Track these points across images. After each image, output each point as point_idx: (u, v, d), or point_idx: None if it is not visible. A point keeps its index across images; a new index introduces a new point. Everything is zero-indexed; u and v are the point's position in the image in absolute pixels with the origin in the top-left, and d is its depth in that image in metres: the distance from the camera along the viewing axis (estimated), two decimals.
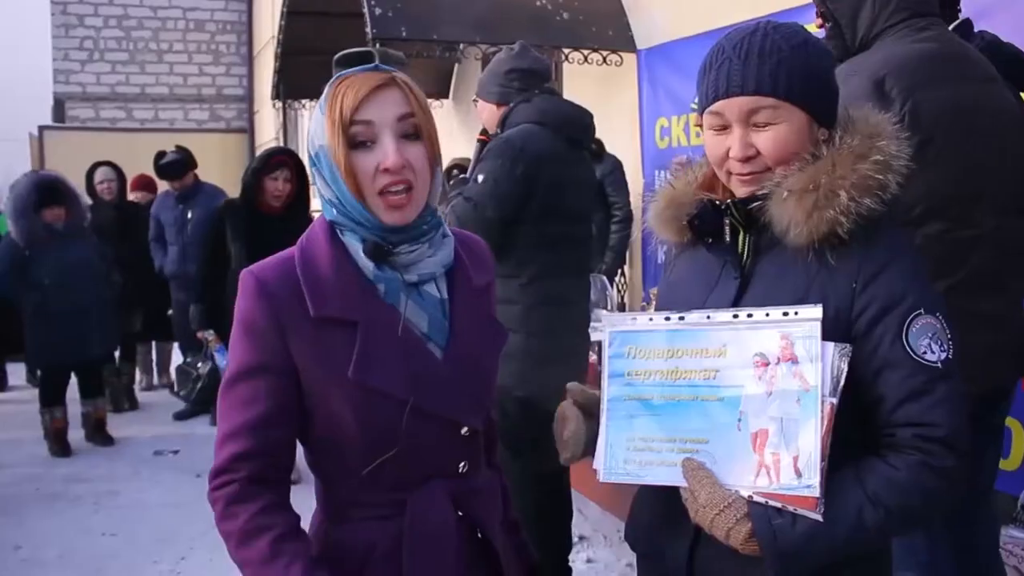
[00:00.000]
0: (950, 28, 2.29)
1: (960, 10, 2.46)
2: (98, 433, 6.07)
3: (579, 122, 3.06)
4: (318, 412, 1.37)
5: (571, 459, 1.44)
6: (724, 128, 1.39)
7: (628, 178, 5.94)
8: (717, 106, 1.38)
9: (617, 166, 5.90)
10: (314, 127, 1.38)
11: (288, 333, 1.33)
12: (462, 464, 1.44)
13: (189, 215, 6.47)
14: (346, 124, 1.33)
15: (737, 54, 1.35)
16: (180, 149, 6.70)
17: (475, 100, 3.18)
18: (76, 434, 6.00)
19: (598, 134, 6.03)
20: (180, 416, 6.61)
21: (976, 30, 2.47)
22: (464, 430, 1.42)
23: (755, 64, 1.34)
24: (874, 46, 2.04)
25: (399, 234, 1.38)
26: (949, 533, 2.07)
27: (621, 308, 6.36)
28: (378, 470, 1.36)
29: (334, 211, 1.39)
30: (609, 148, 5.92)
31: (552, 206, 2.87)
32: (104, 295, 5.85)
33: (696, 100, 4.55)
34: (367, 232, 1.37)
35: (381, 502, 1.39)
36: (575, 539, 3.87)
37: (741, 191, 1.41)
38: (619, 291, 6.46)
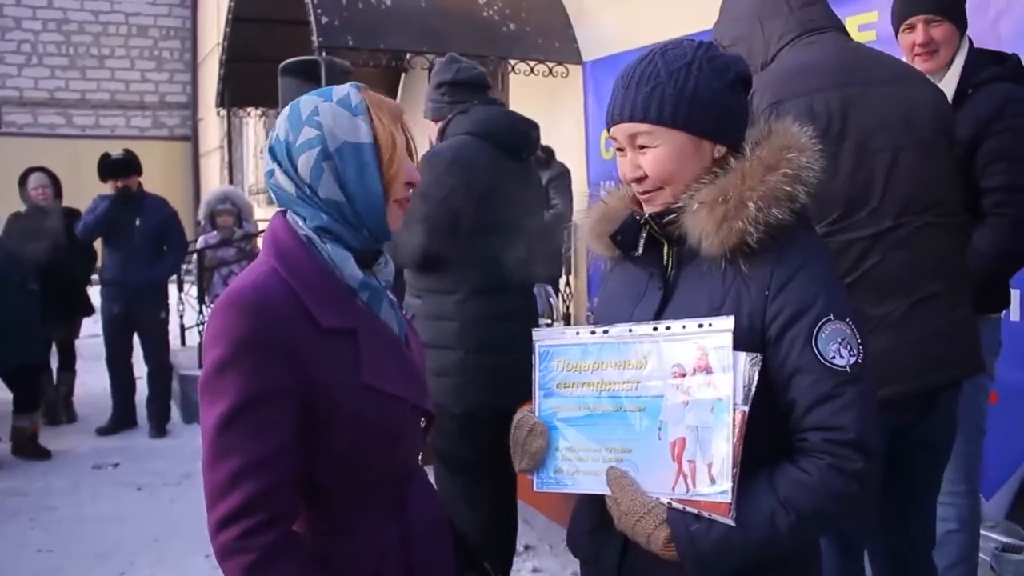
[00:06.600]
0: None
1: None
2: (31, 447, 5.87)
3: (517, 132, 2.95)
4: (334, 424, 1.35)
5: (526, 471, 1.48)
6: (622, 150, 1.48)
7: (573, 189, 6.00)
8: (611, 131, 1.49)
9: (564, 172, 5.96)
10: (334, 123, 1.36)
11: (296, 350, 1.31)
12: (419, 455, 1.54)
13: (138, 223, 6.20)
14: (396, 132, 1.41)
15: (623, 83, 1.45)
16: (127, 151, 6.49)
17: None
18: (4, 447, 5.85)
19: (545, 143, 6.14)
20: (103, 431, 6.42)
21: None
22: (423, 421, 1.51)
23: (632, 93, 1.43)
24: None
25: (381, 243, 1.47)
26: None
27: (567, 318, 6.40)
28: (384, 470, 1.41)
29: (325, 217, 1.38)
30: None
31: (488, 219, 2.77)
32: (17, 305, 5.66)
33: None
34: (355, 240, 1.40)
35: (385, 502, 1.44)
36: (521, 549, 3.89)
37: (647, 208, 1.49)
38: (564, 301, 6.50)
